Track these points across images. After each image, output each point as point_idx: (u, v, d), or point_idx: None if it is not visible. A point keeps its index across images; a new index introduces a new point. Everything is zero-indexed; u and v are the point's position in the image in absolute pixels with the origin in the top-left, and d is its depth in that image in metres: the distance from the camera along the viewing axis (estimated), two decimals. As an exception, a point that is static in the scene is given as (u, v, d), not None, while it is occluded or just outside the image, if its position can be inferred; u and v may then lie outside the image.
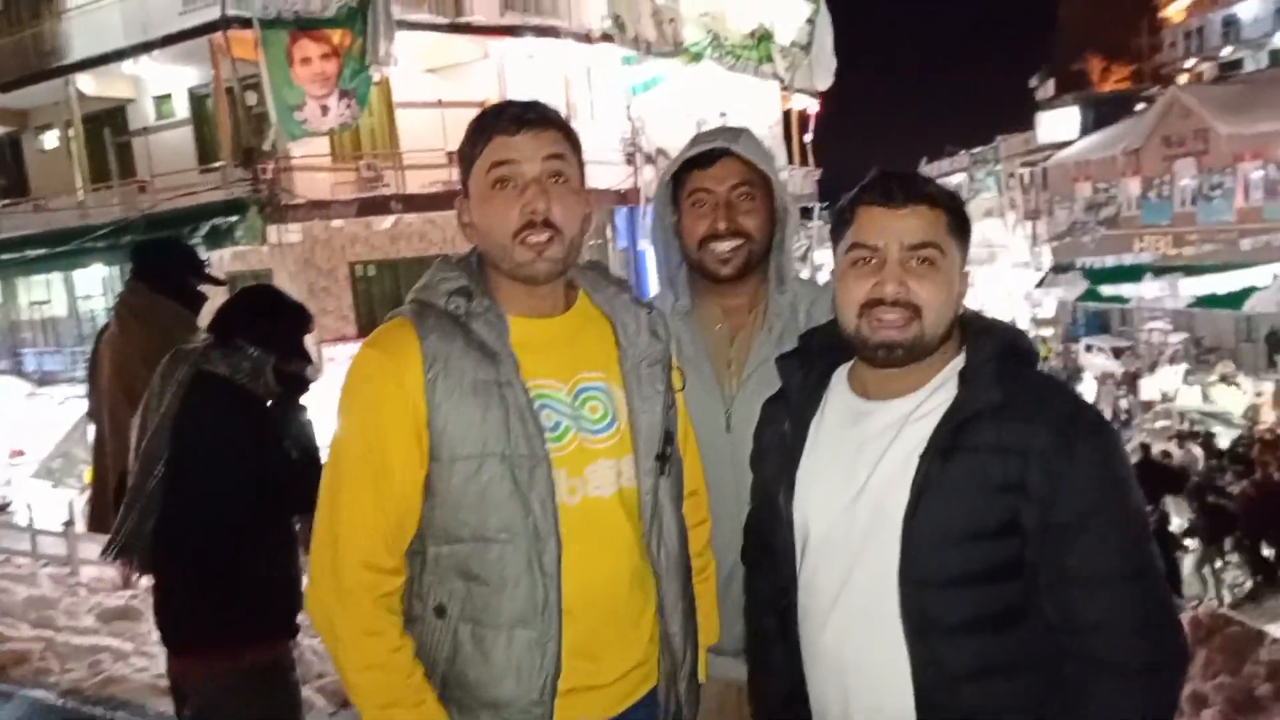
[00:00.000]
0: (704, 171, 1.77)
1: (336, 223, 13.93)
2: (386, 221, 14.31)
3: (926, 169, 48.62)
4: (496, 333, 1.42)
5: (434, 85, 15.25)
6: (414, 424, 1.39)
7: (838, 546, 1.33)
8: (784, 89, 21.71)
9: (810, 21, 23.50)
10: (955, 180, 44.52)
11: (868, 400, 1.37)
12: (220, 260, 14.61)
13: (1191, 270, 20.55)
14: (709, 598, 1.69)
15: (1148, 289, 20.77)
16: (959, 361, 1.33)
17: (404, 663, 1.40)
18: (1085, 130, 29.90)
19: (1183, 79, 35.21)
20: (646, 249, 16.53)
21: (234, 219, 13.15)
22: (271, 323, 2.43)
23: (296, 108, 12.91)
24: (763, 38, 20.74)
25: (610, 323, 1.54)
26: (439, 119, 15.19)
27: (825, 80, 21.04)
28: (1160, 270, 21.36)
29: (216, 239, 13.29)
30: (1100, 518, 1.20)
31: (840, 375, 1.44)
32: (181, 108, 15.76)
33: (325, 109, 13.09)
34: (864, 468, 1.32)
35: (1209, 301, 19.78)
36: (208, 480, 2.25)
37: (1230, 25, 41.05)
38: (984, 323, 1.36)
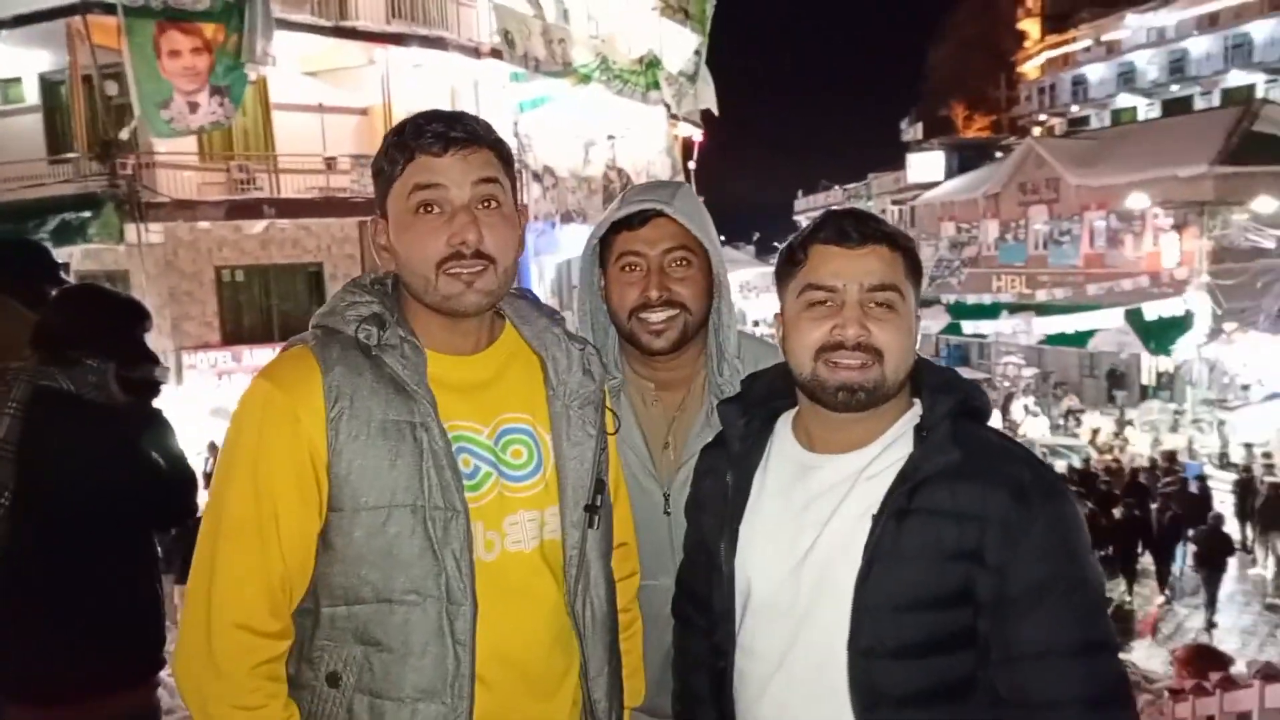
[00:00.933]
0: (634, 233, 1.61)
1: (203, 224, 13.21)
2: (258, 226, 13.67)
3: (802, 202, 50.31)
4: (413, 368, 1.28)
5: (315, 89, 14.75)
6: (310, 468, 1.24)
7: (781, 610, 1.26)
8: (670, 117, 22.04)
9: (697, 53, 24.01)
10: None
11: (814, 453, 1.30)
12: (70, 258, 13.65)
13: (1043, 310, 21.91)
14: (635, 654, 1.58)
15: (1004, 325, 22.01)
16: (911, 415, 1.28)
17: None
18: (950, 173, 31.61)
19: (1037, 131, 37.74)
20: (531, 268, 16.39)
21: (87, 215, 12.26)
22: (106, 327, 2.16)
23: (163, 103, 12.19)
24: (650, 64, 21.02)
25: (539, 359, 1.42)
26: (319, 123, 14.70)
27: (708, 101, 21.48)
28: (1015, 308, 22.69)
29: (66, 235, 12.34)
30: (1056, 590, 1.16)
31: (785, 424, 1.37)
32: (32, 93, 14.66)
33: (194, 106, 12.41)
34: (811, 527, 1.25)
35: (1058, 340, 21.12)
36: (64, 507, 2.00)
37: (1079, 84, 44.42)
38: (940, 375, 1.30)
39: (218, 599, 1.23)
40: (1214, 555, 11.30)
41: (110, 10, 11.77)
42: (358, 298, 1.33)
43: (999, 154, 31.30)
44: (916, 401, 1.30)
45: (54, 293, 2.35)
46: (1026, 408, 21.12)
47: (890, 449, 1.26)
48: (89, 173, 12.71)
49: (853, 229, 1.24)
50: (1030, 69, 49.68)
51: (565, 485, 1.38)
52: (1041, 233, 25.84)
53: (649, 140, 21.30)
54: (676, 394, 1.70)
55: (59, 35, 12.63)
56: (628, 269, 1.63)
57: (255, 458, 1.24)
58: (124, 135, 12.23)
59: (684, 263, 1.63)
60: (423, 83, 15.21)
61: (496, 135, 1.33)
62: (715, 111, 21.55)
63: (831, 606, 1.21)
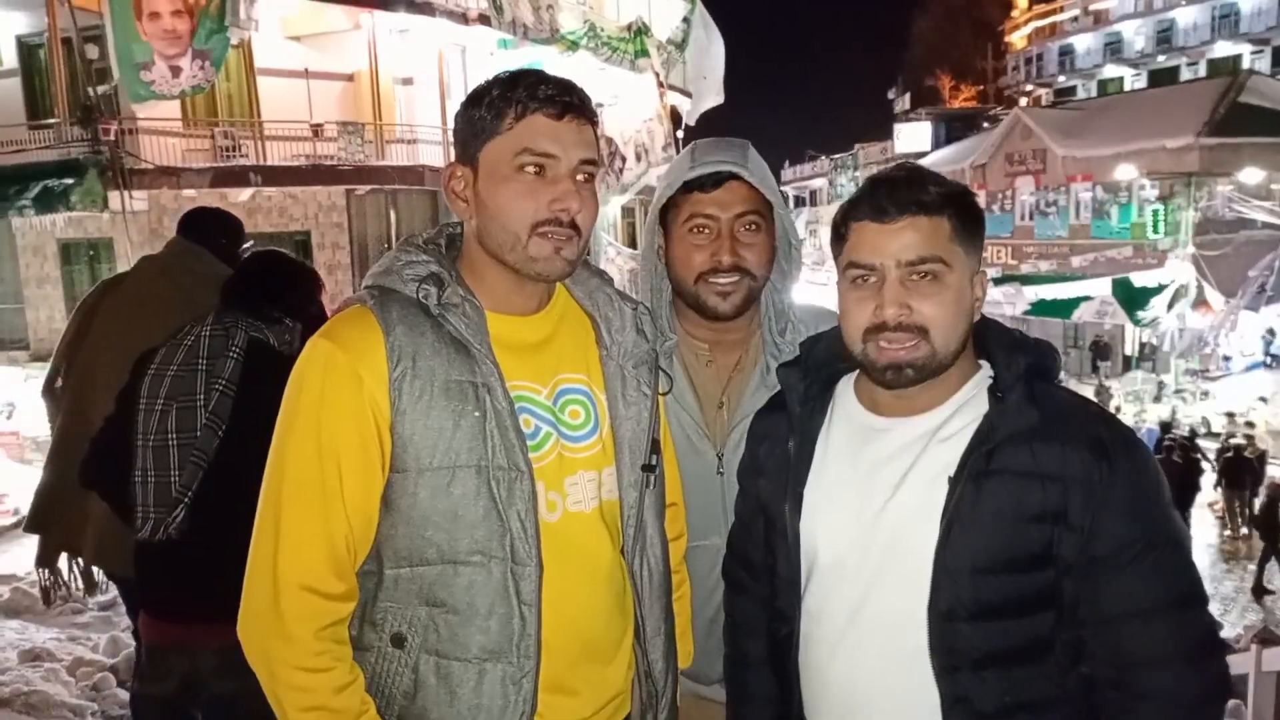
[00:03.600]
0: (707, 195, 1.57)
1: (188, 192, 12.98)
2: (244, 194, 13.48)
3: (788, 172, 50.16)
4: (475, 328, 1.26)
5: (300, 54, 14.52)
6: (374, 429, 1.22)
7: (852, 573, 1.25)
8: (659, 86, 21.85)
9: (686, 20, 23.75)
10: (816, 184, 46.14)
11: (880, 416, 1.29)
12: (54, 226, 13.46)
13: (1028, 280, 22.03)
14: (685, 616, 1.58)
15: (991, 294, 22.13)
16: (981, 377, 1.27)
17: (352, 703, 1.23)
18: (937, 143, 31.61)
19: (1024, 101, 37.69)
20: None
21: (69, 181, 12.04)
22: (299, 290, 2.34)
23: (143, 66, 11.94)
24: (639, 32, 20.80)
25: (592, 319, 1.41)
26: (304, 89, 14.48)
27: (713, 99, 21.19)
28: (1001, 279, 22.78)
29: (48, 202, 12.15)
30: (1145, 548, 1.16)
31: (846, 387, 1.36)
32: (9, 56, 14.35)
33: (176, 69, 12.17)
34: (882, 490, 1.24)
35: (1043, 310, 21.25)
36: (263, 450, 2.11)
37: (1066, 55, 44.31)
38: (1011, 336, 1.28)
39: (283, 561, 1.22)
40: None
41: (89, -29, 11.52)
42: (414, 257, 1.31)
43: (986, 124, 31.30)
44: (984, 363, 1.29)
45: (250, 254, 2.49)
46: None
47: (962, 411, 1.24)
48: (71, 138, 12.48)
49: (888, 203, 1.21)
50: (1017, 39, 49.52)
51: (622, 446, 1.37)
52: (1028, 203, 25.91)
53: (639, 109, 21.13)
54: (731, 354, 1.68)
55: (37, -3, 12.36)
56: (696, 230, 1.60)
57: (318, 418, 1.23)
58: (102, 90, 11.99)
59: (754, 227, 1.60)
60: (409, 48, 15.01)
61: (595, 110, 1.33)
62: (713, 104, 21.20)
63: (907, 569, 1.20)
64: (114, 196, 12.20)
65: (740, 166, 1.57)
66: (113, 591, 5.13)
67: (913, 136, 33.19)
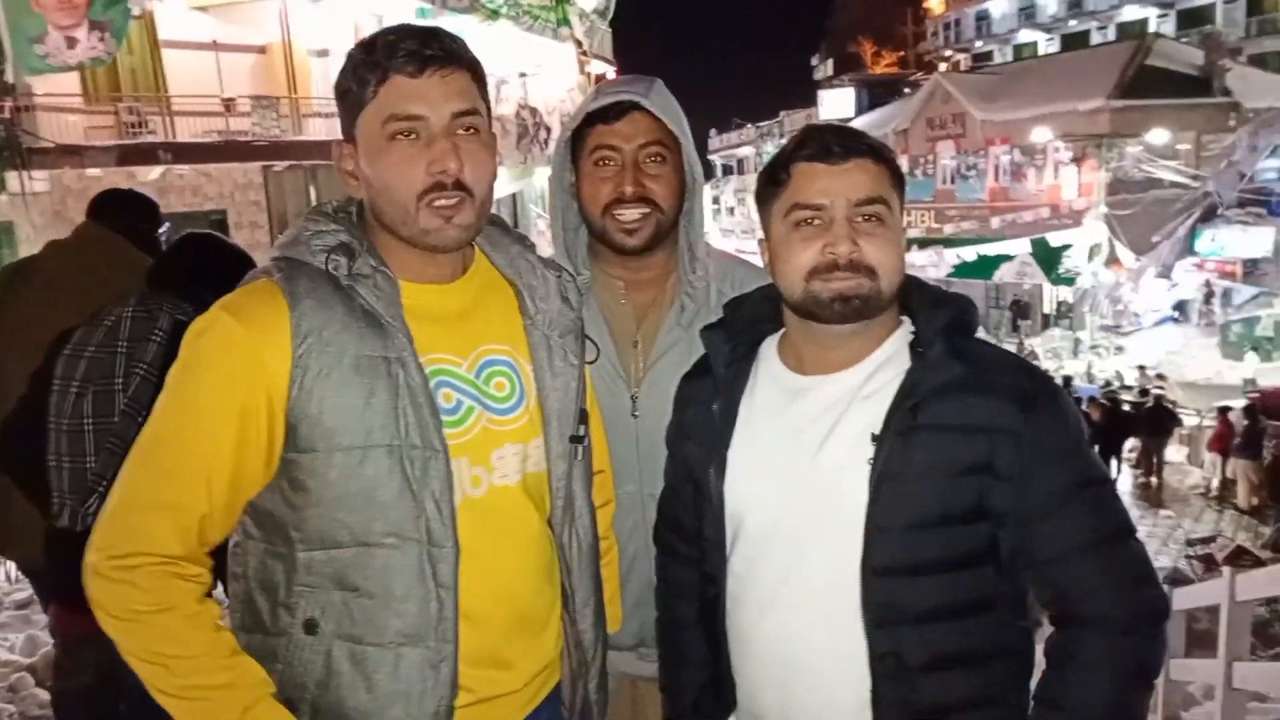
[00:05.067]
0: (609, 127, 1.57)
1: (93, 171, 12.42)
2: (153, 172, 12.93)
3: (715, 140, 50.24)
4: (386, 300, 1.20)
5: (208, 25, 13.93)
6: (266, 412, 1.16)
7: (780, 534, 1.26)
8: (581, 54, 21.61)
9: (609, -13, 23.49)
10: (743, 152, 46.33)
11: (804, 375, 1.29)
12: (-53, 210, 12.76)
13: (950, 243, 22.54)
14: (613, 583, 1.57)
15: (915, 259, 22.58)
16: (902, 332, 1.28)
17: (204, 634, 1.15)
18: (861, 109, 32.00)
19: (943, 67, 38.32)
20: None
21: (-38, 163, 11.45)
22: (227, 272, 2.22)
23: (37, 39, 11.36)
24: (560, 1, 20.50)
25: (515, 287, 1.36)
26: (214, 62, 13.92)
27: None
28: (924, 242, 23.26)
29: (-60, 185, 11.53)
30: (1076, 489, 1.19)
31: (769, 347, 1.35)
32: (-111, 30, 13.48)
33: (72, 41, 11.58)
34: (807, 450, 1.24)
35: (965, 271, 21.78)
36: None
37: (983, 20, 45.12)
38: (932, 292, 1.29)
39: (128, 519, 1.15)
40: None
41: (-27, -62, 10.86)
42: (322, 226, 1.24)
43: (907, 90, 31.76)
44: (905, 319, 1.29)
45: (181, 236, 2.42)
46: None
47: (884, 367, 1.25)
48: (-38, 117, 11.81)
49: (835, 144, 1.22)
50: (935, 4, 50.23)
51: (550, 417, 1.34)
52: (949, 167, 26.45)
53: (561, 78, 20.88)
54: (647, 293, 1.68)
55: (-84, -35, 11.60)
56: (601, 164, 1.59)
57: (203, 392, 1.17)
58: (9, 80, 11.39)
59: (658, 159, 1.59)
60: (323, 18, 14.53)
61: (472, 54, 1.24)
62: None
63: (836, 528, 1.20)
64: (12, 177, 11.62)
65: (642, 97, 1.55)
66: (28, 589, 4.95)
67: (836, 103, 33.53)
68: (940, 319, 1.23)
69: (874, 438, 1.19)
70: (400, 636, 1.21)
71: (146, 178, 12.86)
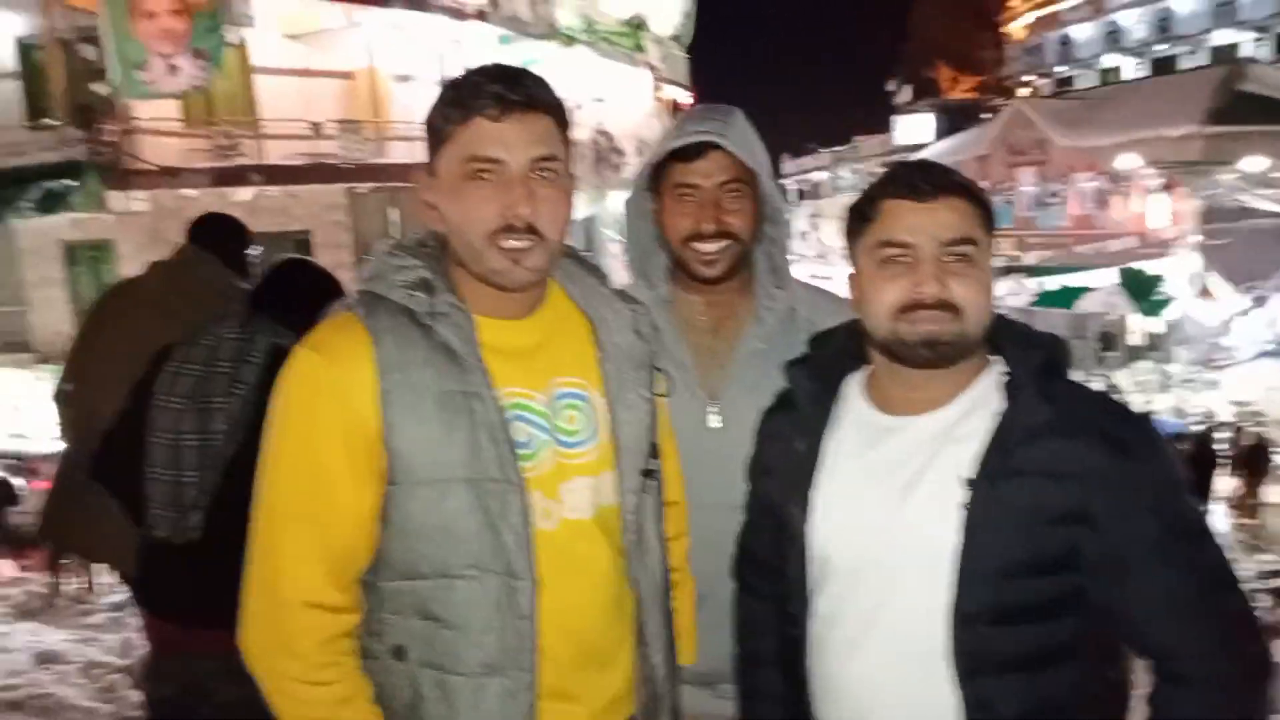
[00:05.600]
0: (689, 165, 1.61)
1: (188, 192, 12.99)
2: (244, 193, 13.47)
3: (789, 165, 50.10)
4: (464, 336, 1.23)
5: (297, 52, 14.50)
6: (364, 442, 1.20)
7: (868, 576, 1.23)
8: (657, 79, 21.82)
9: (686, 15, 23.70)
10: (817, 177, 46.09)
11: (890, 415, 1.27)
12: (56, 227, 13.47)
13: (1032, 272, 21.98)
14: (687, 616, 1.55)
15: (995, 288, 22.08)
16: (994, 372, 1.25)
17: (358, 715, 1.22)
18: (938, 135, 31.55)
19: (1024, 92, 37.62)
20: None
21: (69, 183, 12.07)
22: (320, 298, 2.31)
23: (140, 66, 11.97)
24: (637, 26, 20.77)
25: (589, 319, 1.37)
26: (302, 88, 14.46)
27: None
28: (1005, 270, 22.73)
29: (49, 204, 12.17)
30: (1171, 540, 1.14)
31: (854, 385, 1.33)
32: (8, 58, 14.34)
33: (174, 68, 12.19)
34: (895, 492, 1.22)
35: (1046, 300, 21.20)
36: None
37: (1066, 45, 44.21)
38: (1024, 331, 1.27)
39: (284, 578, 1.20)
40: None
41: (85, -29, 11.51)
42: (403, 261, 1.27)
43: (986, 116, 31.23)
44: (993, 359, 1.26)
45: (278, 261, 2.51)
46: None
47: (977, 408, 1.22)
48: (71, 139, 12.48)
49: (924, 181, 1.20)
50: (1016, 29, 49.40)
51: (622, 450, 1.33)
52: (1030, 195, 25.85)
53: (636, 102, 21.10)
54: (724, 309, 1.72)
55: (34, -2, 12.35)
56: (682, 198, 1.64)
57: (306, 432, 1.21)
58: (99, 91, 12.01)
59: (737, 193, 1.64)
60: (407, 46, 14.99)
61: (556, 97, 1.26)
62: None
63: (925, 572, 1.18)
64: (115, 197, 12.22)
65: (721, 136, 1.60)
66: (124, 593, 5.14)
67: (913, 128, 33.14)
68: (1034, 360, 1.20)
69: (967, 482, 1.16)
70: (481, 667, 1.23)
71: (238, 199, 13.39)
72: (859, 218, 1.25)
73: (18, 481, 9.95)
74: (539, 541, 1.24)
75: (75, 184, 11.98)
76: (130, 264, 12.76)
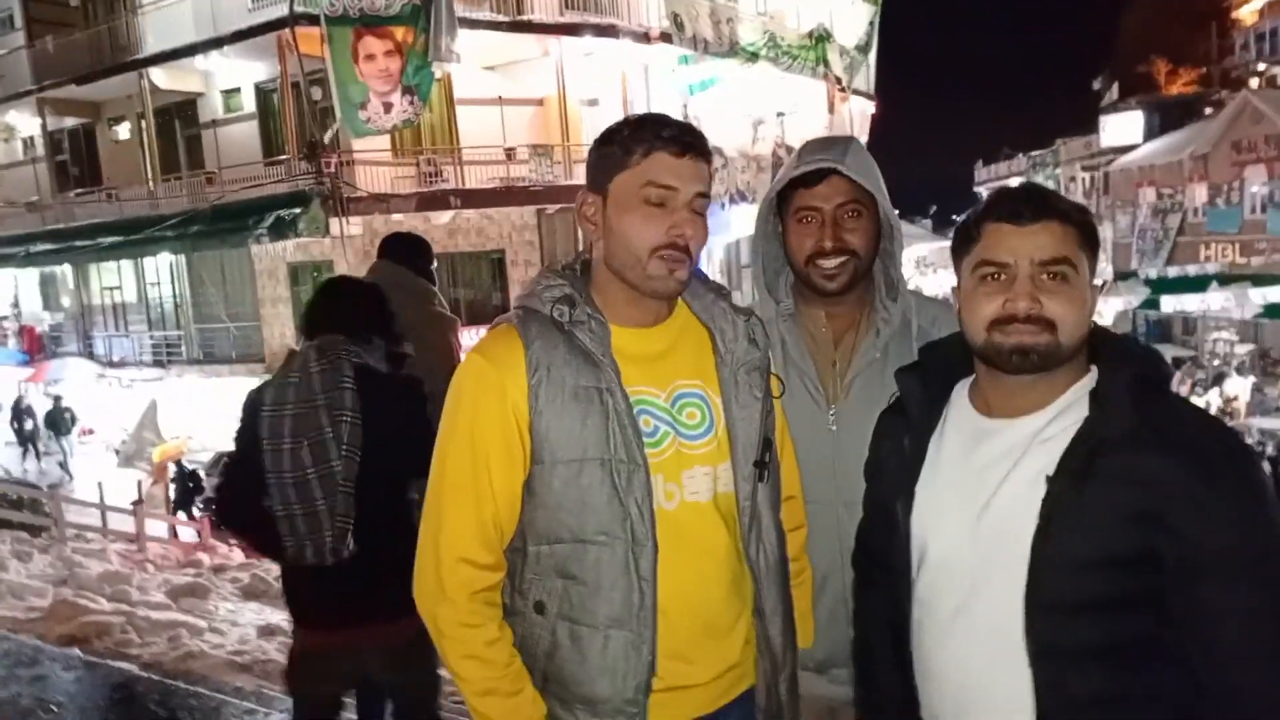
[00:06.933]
0: (810, 190, 1.77)
1: (396, 216, 14.15)
2: (445, 216, 14.50)
3: (982, 172, 47.84)
4: (599, 340, 1.45)
5: (493, 82, 15.44)
6: (516, 429, 1.43)
7: (959, 565, 1.33)
8: (840, 90, 21.54)
9: (871, 24, 23.28)
10: (1013, 183, 43.59)
11: (990, 418, 1.36)
12: (283, 251, 14.99)
13: (1260, 280, 19.92)
14: (805, 602, 1.70)
15: (1213, 299, 20.18)
16: (1088, 381, 1.31)
17: (500, 655, 1.45)
18: (1150, 134, 29.20)
19: (1254, 83, 34.15)
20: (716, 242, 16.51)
21: (297, 211, 13.44)
22: (384, 312, 2.57)
23: (361, 104, 13.11)
24: (820, 39, 20.60)
25: (708, 330, 1.56)
26: (498, 115, 15.39)
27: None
28: (1226, 279, 20.73)
29: (280, 230, 13.60)
30: (1245, 554, 1.17)
31: (961, 391, 1.43)
32: (249, 102, 16.15)
33: (388, 106, 13.28)
34: (987, 488, 1.31)
35: (1274, 312, 19.16)
36: (387, 465, 2.35)
37: (1307, 28, 39.70)
38: (1119, 343, 1.33)
39: (444, 539, 1.45)
40: None
41: (314, 21, 12.80)
42: (551, 281, 1.51)
43: (1209, 111, 28.61)
44: (1094, 368, 1.32)
45: (322, 283, 2.71)
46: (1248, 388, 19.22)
47: (1065, 413, 1.29)
48: (298, 172, 13.89)
49: (1024, 207, 1.29)
50: (1246, 13, 44.93)
51: (736, 444, 1.51)
52: (1259, 195, 23.44)
53: (818, 115, 20.91)
54: (845, 321, 1.86)
55: (271, 47, 13.86)
56: (804, 221, 1.79)
57: (471, 422, 1.45)
58: (327, 138, 13.27)
59: (855, 214, 1.77)
60: (594, 70, 15.60)
61: (710, 148, 1.50)
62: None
63: (1009, 562, 1.25)
64: (334, 223, 13.48)
65: (838, 162, 1.74)
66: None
67: (1121, 128, 30.81)
68: (1123, 370, 1.26)
69: (1047, 479, 1.24)
70: (609, 620, 1.43)
71: (439, 221, 14.44)
72: (964, 238, 1.35)
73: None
74: (661, 518, 1.43)
75: (301, 211, 13.33)
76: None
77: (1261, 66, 40.80)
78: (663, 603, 1.44)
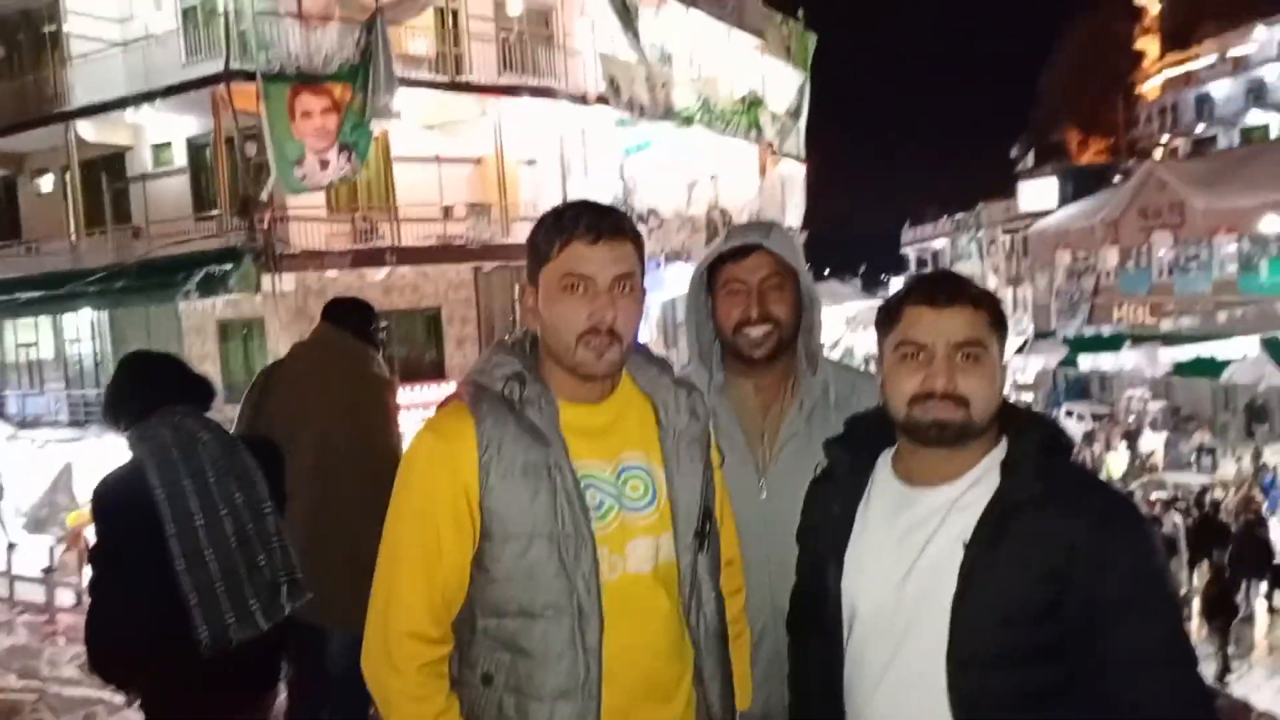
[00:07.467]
0: (737, 264, 1.90)
1: (330, 273, 14.00)
2: (380, 273, 14.40)
3: (909, 233, 49.43)
4: (547, 418, 1.49)
5: (432, 141, 15.49)
6: (467, 505, 1.46)
7: (885, 624, 1.40)
8: (772, 153, 22.18)
9: (801, 90, 24.13)
10: (937, 244, 45.26)
11: (912, 486, 1.45)
12: (213, 307, 14.65)
13: (1170, 340, 20.89)
14: (744, 664, 1.74)
15: (1126, 358, 21.06)
16: (999, 451, 1.41)
17: None
18: (1064, 200, 30.62)
19: (1158, 153, 36.20)
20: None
21: (228, 267, 13.18)
22: (196, 378, 2.56)
23: (296, 161, 13.01)
24: (753, 104, 21.27)
25: (652, 402, 1.61)
26: (435, 173, 15.44)
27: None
28: (1139, 339, 21.68)
29: (209, 286, 13.31)
30: (1138, 606, 1.27)
31: (885, 460, 1.52)
32: (180, 156, 15.90)
33: (324, 163, 13.21)
34: (910, 551, 1.39)
35: (1188, 369, 20.06)
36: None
37: (1204, 103, 42.40)
38: (1025, 415, 1.44)
39: (393, 613, 1.48)
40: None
41: (250, 77, 12.73)
42: (502, 358, 1.56)
43: (1117, 179, 30.17)
44: (1004, 439, 1.43)
45: (127, 360, 2.61)
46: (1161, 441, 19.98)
47: (979, 483, 1.39)
48: (230, 228, 13.67)
49: (940, 292, 1.40)
50: (1149, 89, 47.79)
51: (678, 514, 1.56)
52: (1166, 259, 24.72)
53: (751, 178, 21.48)
54: (771, 393, 1.96)
55: (205, 103, 13.71)
56: (731, 293, 1.91)
57: (422, 498, 1.49)
58: (263, 197, 13.12)
59: (778, 287, 1.90)
60: (532, 131, 15.81)
61: (636, 228, 1.56)
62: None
63: (930, 621, 1.34)
64: (266, 279, 13.25)
65: (763, 239, 1.89)
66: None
67: (1037, 193, 32.27)
68: (1028, 440, 1.37)
69: (965, 545, 1.33)
70: (555, 692, 1.46)
71: (374, 278, 14.31)
72: (886, 319, 1.46)
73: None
74: (605, 590, 1.47)
75: (232, 268, 13.09)
76: (275, 339, 13.78)
77: (1165, 138, 43.33)
78: (607, 671, 1.47)
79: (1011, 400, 1.47)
